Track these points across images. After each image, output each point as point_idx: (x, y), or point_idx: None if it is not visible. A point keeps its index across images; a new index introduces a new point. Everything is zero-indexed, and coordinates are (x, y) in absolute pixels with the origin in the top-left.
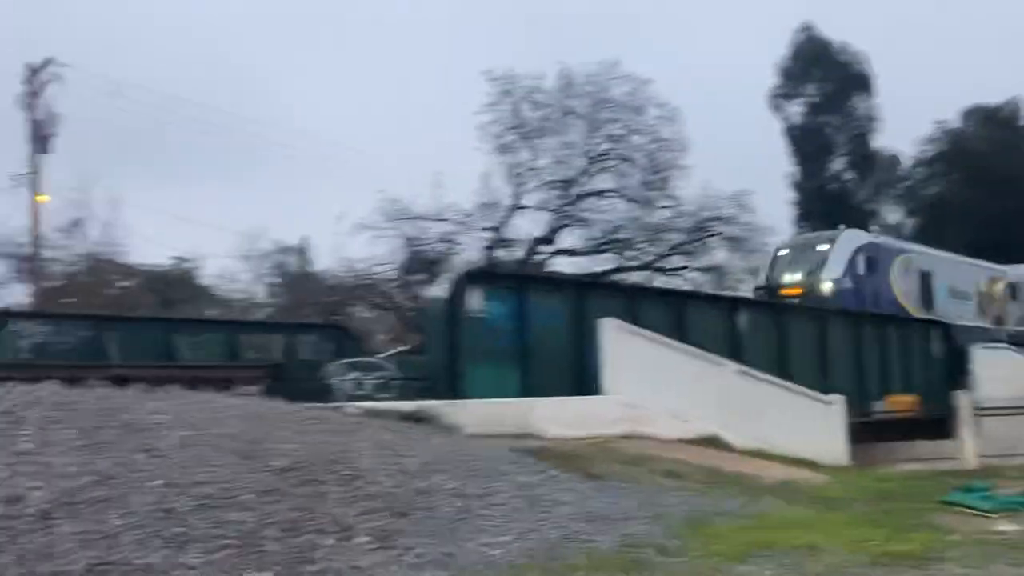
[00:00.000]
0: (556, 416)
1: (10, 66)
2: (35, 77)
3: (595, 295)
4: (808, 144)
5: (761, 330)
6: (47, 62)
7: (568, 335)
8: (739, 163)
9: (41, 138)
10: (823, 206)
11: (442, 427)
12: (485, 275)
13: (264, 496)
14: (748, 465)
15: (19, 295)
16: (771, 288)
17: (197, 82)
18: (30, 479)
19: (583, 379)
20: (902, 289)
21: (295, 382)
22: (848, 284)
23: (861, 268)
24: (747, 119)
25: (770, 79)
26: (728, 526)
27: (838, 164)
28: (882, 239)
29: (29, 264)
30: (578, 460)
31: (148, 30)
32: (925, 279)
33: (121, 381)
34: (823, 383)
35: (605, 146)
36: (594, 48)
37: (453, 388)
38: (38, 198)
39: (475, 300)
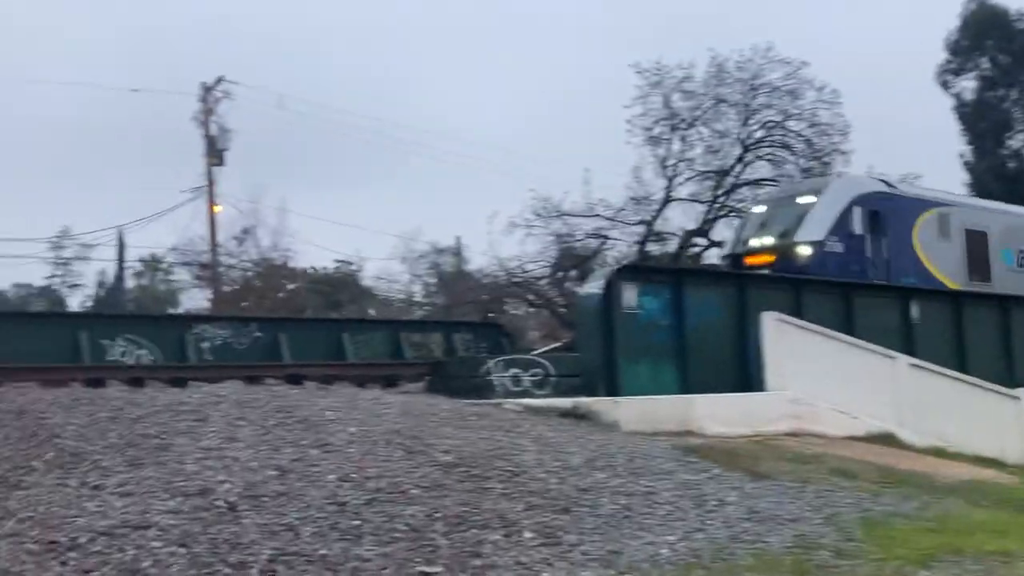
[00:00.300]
0: (716, 413)
1: (187, 86)
2: (208, 95)
3: (755, 287)
4: (982, 121)
5: (936, 321)
6: (219, 81)
7: (727, 329)
8: (905, 145)
9: (215, 152)
10: (1001, 187)
11: (600, 424)
12: (639, 270)
13: (431, 491)
14: (925, 464)
15: (200, 300)
16: (737, 256)
17: (352, 92)
18: (217, 473)
19: (744, 375)
20: (934, 254)
21: (455, 379)
22: (836, 247)
23: (858, 226)
24: (913, 98)
25: (938, 54)
26: (907, 528)
27: (1017, 141)
28: (899, 187)
29: (208, 271)
30: (742, 458)
31: (306, 47)
32: (975, 241)
33: (295, 380)
34: (1008, 376)
35: (760, 133)
36: (746, 34)
37: (609, 385)
38: (214, 209)
39: (629, 295)
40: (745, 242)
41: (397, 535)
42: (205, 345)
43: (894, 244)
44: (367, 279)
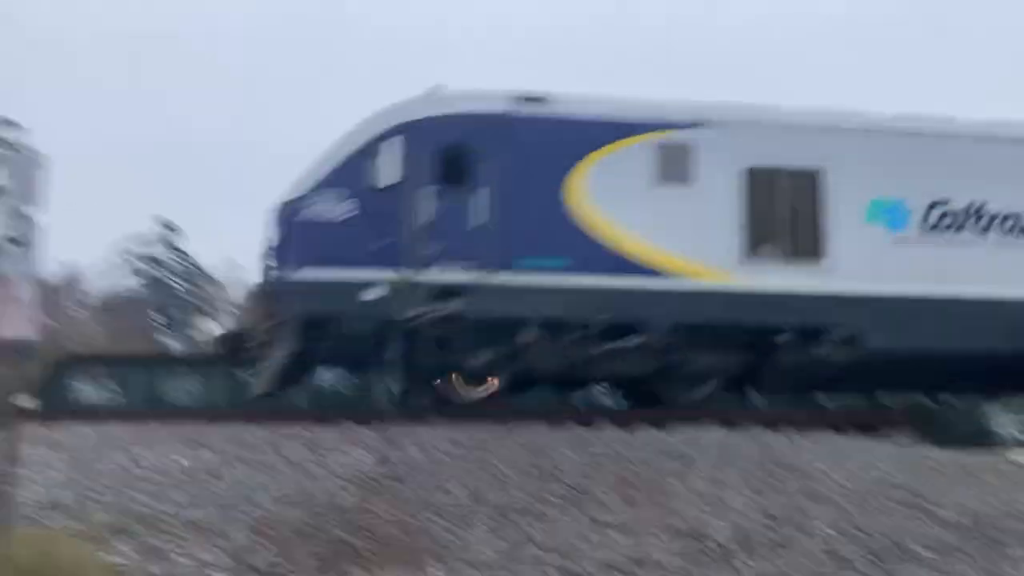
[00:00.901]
0: None
1: None
2: None
3: None
4: None
5: None
6: None
7: None
8: None
9: None
10: None
11: None
12: None
13: (941, 553)
14: None
15: None
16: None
17: None
18: (710, 516)
19: None
20: (637, 216)
21: (946, 427)
22: (331, 212)
23: (392, 172)
24: None
25: None
26: None
27: None
28: (555, 103)
29: None
30: None
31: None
32: (783, 190)
33: (771, 424)
34: None
35: None
36: None
37: None
38: None
39: None
40: None
41: None
42: None
43: (511, 201)
44: None
